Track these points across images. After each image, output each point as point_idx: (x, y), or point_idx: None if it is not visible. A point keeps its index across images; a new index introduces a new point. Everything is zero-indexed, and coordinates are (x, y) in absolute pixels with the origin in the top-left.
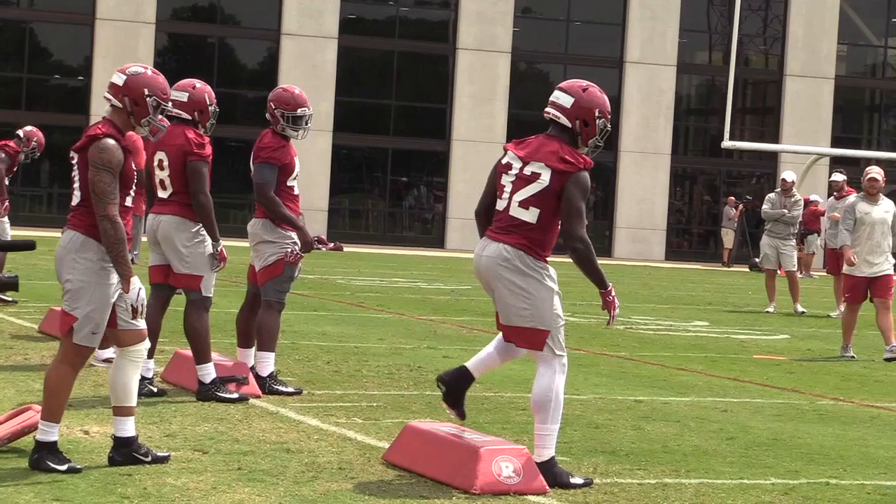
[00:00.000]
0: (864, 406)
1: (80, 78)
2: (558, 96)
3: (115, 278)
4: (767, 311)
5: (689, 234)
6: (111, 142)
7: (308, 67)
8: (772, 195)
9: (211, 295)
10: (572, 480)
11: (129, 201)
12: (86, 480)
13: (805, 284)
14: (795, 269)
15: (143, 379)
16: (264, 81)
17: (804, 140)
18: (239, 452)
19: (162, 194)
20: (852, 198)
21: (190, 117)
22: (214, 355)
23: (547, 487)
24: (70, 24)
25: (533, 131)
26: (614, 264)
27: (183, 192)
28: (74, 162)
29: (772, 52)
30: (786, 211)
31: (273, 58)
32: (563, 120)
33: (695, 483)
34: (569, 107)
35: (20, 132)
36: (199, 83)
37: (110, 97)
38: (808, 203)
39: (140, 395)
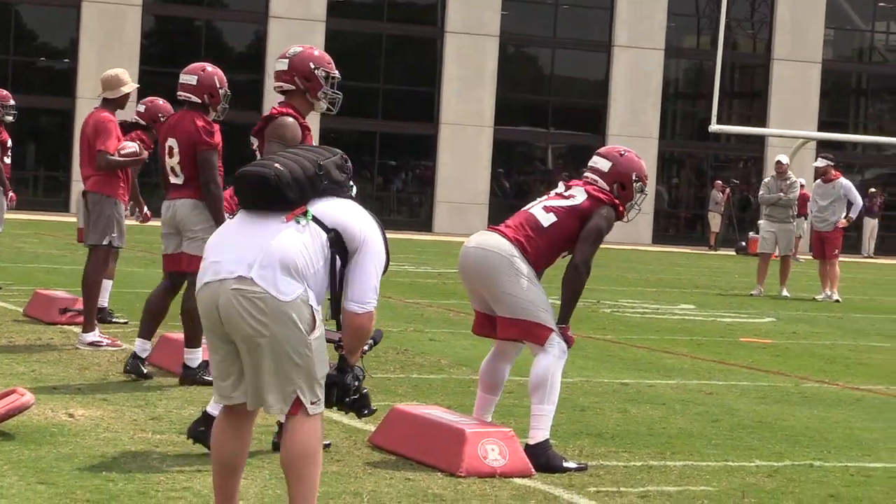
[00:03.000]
0: (849, 389)
1: (65, 60)
2: (596, 161)
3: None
4: (752, 294)
5: (677, 218)
6: (290, 119)
7: None
8: (768, 179)
9: None
10: (565, 464)
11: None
12: (70, 463)
13: (791, 268)
14: (792, 253)
15: (136, 356)
16: (252, 65)
17: (791, 124)
18: None
19: (175, 181)
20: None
21: (200, 101)
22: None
23: (533, 470)
24: (56, 7)
25: (521, 115)
26: (602, 248)
27: (195, 177)
28: (255, 147)
29: (759, 36)
30: (782, 194)
31: (261, 41)
32: (602, 183)
33: (679, 465)
34: (606, 171)
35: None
36: (210, 66)
37: (281, 84)
38: None
39: (130, 371)
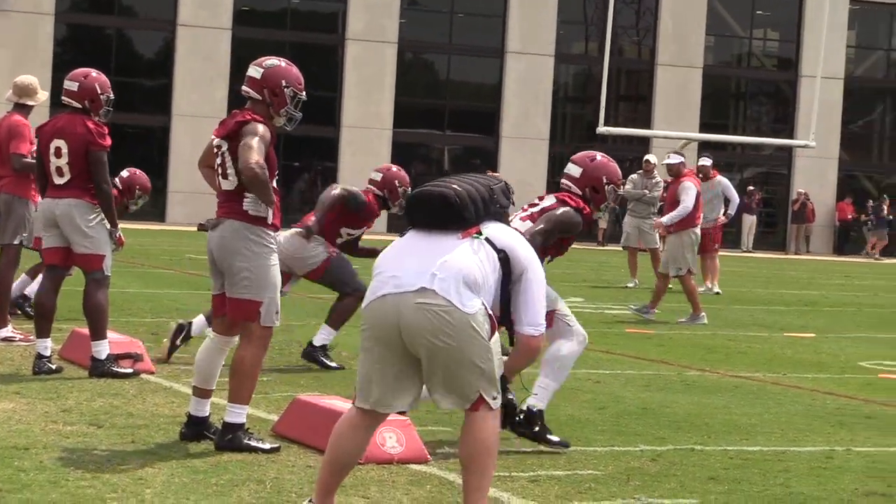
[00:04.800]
0: (728, 376)
1: None
2: (569, 168)
3: (276, 258)
4: (628, 286)
5: None
6: (263, 126)
7: (203, 58)
8: (634, 176)
9: (110, 274)
10: (549, 437)
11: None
12: None
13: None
14: (658, 246)
15: (40, 357)
16: (161, 70)
17: (674, 126)
18: (133, 426)
19: (58, 181)
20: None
21: (80, 106)
22: (109, 333)
23: (428, 457)
24: None
25: (418, 118)
26: None
27: (81, 178)
28: (225, 150)
29: (644, 42)
30: (647, 191)
31: (169, 47)
32: (575, 189)
33: (568, 450)
34: (578, 176)
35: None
36: (94, 73)
37: (249, 91)
38: None
39: (40, 372)
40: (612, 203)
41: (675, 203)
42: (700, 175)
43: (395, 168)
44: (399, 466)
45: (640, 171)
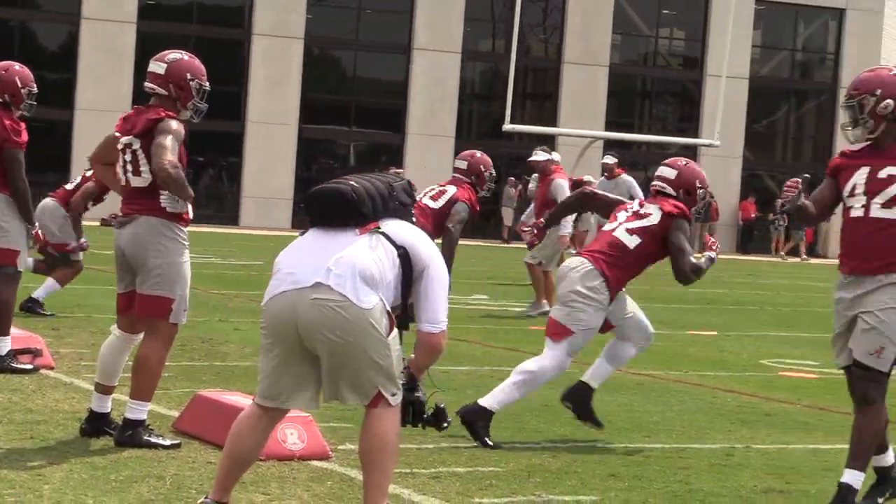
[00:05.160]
0: (631, 374)
1: None
2: (662, 171)
3: (188, 254)
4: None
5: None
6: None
7: (107, 51)
8: (536, 175)
9: (22, 270)
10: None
11: None
12: None
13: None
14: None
15: None
16: (64, 64)
17: (580, 124)
18: (32, 422)
19: None
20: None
21: (1, 100)
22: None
23: (330, 453)
24: None
25: (325, 114)
26: None
27: None
28: (137, 148)
29: (551, 40)
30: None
31: (73, 41)
32: (669, 190)
33: (470, 447)
34: (673, 178)
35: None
36: (16, 66)
37: (154, 87)
38: (582, 183)
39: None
40: (701, 209)
41: (548, 202)
42: (605, 173)
43: (478, 154)
44: (300, 463)
45: (604, 175)
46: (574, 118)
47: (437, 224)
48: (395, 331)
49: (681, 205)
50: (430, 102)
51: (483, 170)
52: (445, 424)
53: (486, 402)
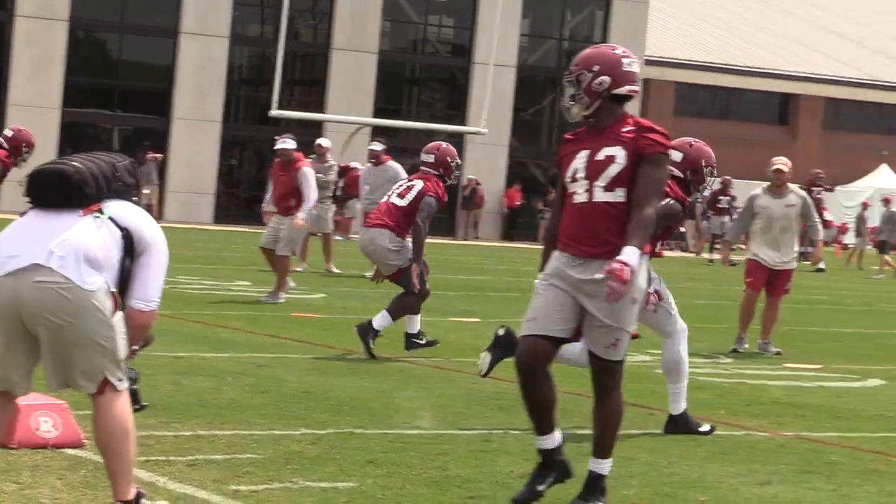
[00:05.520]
0: (392, 360)
1: None
2: (670, 153)
3: None
4: (297, 270)
5: (238, 198)
6: None
7: None
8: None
9: None
10: (700, 429)
11: None
12: None
13: (343, 246)
14: (330, 230)
15: None
16: None
17: (349, 110)
18: None
19: None
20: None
21: None
22: None
23: (84, 441)
24: None
25: (89, 98)
26: (165, 226)
27: None
28: None
29: (320, 26)
30: (321, 175)
31: None
32: (677, 172)
33: (228, 434)
34: (679, 161)
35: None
36: None
37: None
38: (349, 169)
39: None
40: (710, 186)
41: (294, 189)
42: (372, 160)
43: (443, 145)
44: (54, 451)
45: (313, 155)
46: (342, 104)
47: (404, 220)
48: (120, 313)
49: (677, 190)
50: (199, 87)
51: (450, 161)
52: (137, 407)
53: (676, 411)
